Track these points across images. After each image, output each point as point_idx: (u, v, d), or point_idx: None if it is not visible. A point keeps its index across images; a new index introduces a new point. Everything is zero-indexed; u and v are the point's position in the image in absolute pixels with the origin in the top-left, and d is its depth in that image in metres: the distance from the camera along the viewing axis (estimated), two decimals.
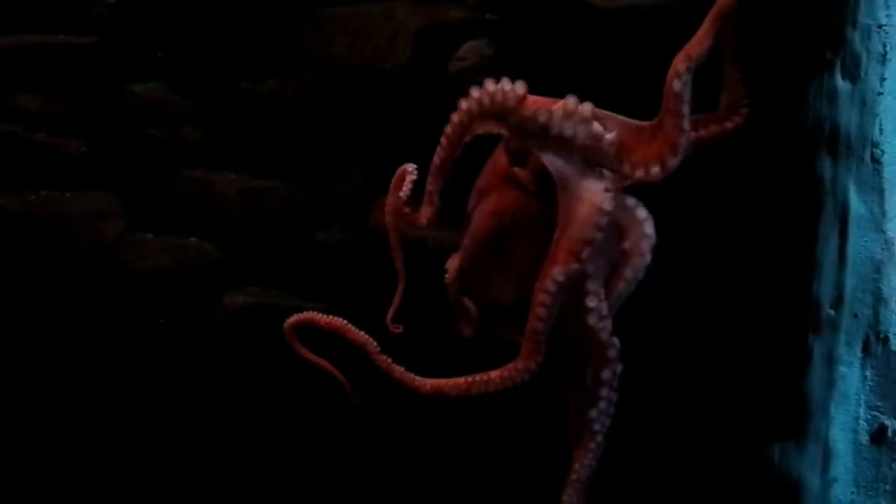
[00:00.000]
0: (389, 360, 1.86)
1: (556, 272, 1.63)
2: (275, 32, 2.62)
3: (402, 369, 1.83)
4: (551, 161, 1.67)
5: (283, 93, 2.61)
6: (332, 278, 2.58)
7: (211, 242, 2.65)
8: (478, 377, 1.71)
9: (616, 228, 1.74)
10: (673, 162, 1.62)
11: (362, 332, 1.92)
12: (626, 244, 1.75)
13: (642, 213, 1.74)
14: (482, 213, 1.81)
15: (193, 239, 2.64)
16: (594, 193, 1.66)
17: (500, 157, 1.82)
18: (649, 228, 1.74)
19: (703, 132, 1.78)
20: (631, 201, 1.74)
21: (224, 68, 2.65)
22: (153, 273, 2.60)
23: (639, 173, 1.64)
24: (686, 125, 1.60)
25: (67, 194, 2.65)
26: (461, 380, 1.73)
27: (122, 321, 2.62)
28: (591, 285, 1.68)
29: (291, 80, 2.61)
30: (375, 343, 1.89)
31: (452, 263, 1.97)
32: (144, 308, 2.62)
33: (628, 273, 1.75)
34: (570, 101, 1.64)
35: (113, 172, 2.69)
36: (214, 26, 2.65)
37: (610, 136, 1.65)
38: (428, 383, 1.78)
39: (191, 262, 2.63)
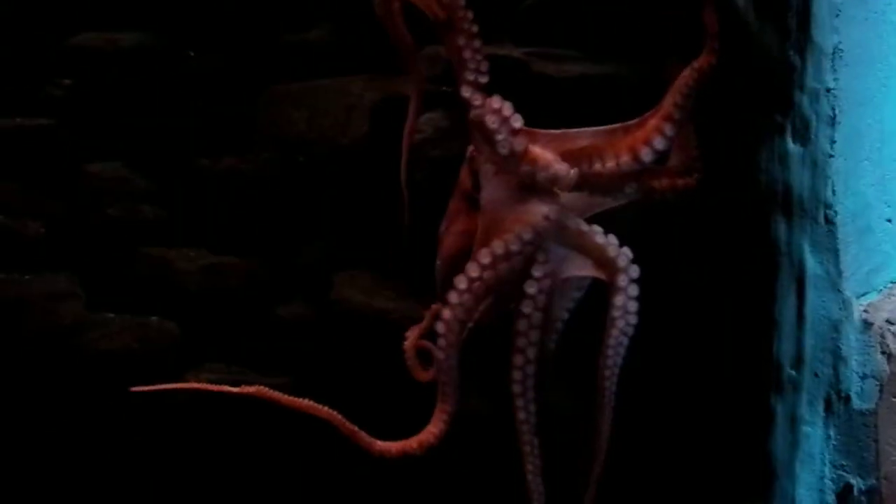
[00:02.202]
0: (354, 428, 1.87)
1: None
2: (231, 109, 2.63)
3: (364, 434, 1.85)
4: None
5: (241, 169, 2.62)
6: (294, 352, 2.57)
7: (172, 320, 2.63)
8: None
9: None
10: (661, 140, 1.72)
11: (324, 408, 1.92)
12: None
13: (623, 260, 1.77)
14: (452, 234, 1.84)
15: (154, 318, 2.63)
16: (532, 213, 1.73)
17: (464, 179, 1.85)
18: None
19: (655, 182, 1.81)
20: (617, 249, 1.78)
21: (182, 145, 2.65)
22: (115, 353, 2.58)
23: (624, 159, 1.72)
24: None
25: (26, 276, 2.63)
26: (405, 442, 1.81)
27: (83, 402, 2.60)
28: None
29: (248, 156, 2.62)
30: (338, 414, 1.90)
31: (412, 332, 2.00)
32: (106, 389, 2.59)
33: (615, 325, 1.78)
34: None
35: (72, 253, 2.67)
36: (171, 104, 2.66)
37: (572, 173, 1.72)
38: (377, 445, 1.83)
39: (153, 340, 2.61)
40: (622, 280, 1.76)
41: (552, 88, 2.14)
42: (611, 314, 1.77)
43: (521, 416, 1.80)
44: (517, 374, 1.78)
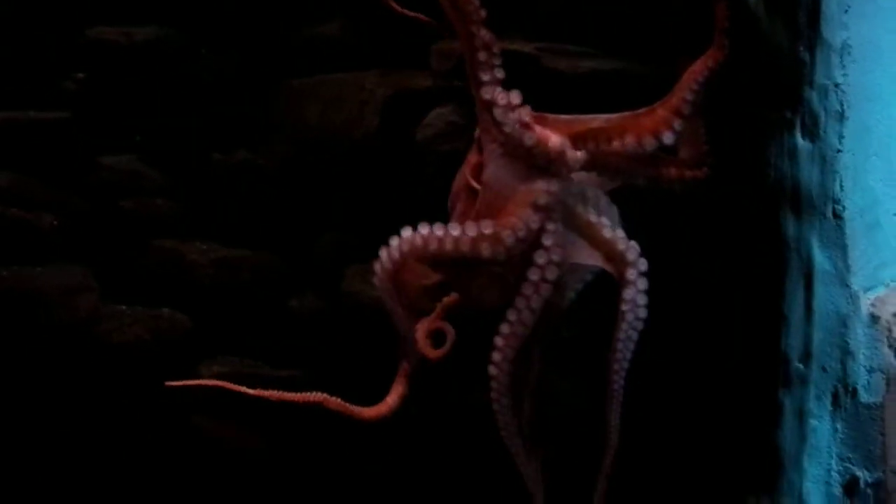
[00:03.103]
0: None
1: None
2: (245, 103, 2.65)
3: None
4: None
5: (254, 162, 2.64)
6: (306, 345, 2.59)
7: (184, 313, 2.65)
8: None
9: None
10: (669, 134, 1.73)
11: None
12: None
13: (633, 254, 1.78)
14: (457, 216, 1.85)
15: (167, 310, 2.65)
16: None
17: (471, 159, 1.86)
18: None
19: (663, 171, 1.83)
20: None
21: (195, 139, 2.67)
22: (128, 345, 2.60)
23: (629, 142, 1.75)
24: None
25: (40, 269, 2.64)
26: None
27: (98, 394, 2.62)
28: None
29: (262, 149, 2.64)
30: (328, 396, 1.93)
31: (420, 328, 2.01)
32: (120, 380, 2.61)
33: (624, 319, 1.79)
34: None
35: (86, 245, 2.69)
36: (185, 97, 2.67)
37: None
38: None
39: (165, 332, 2.63)
40: (631, 273, 1.77)
41: (564, 84, 2.15)
42: (620, 308, 1.78)
43: (497, 401, 1.81)
44: (497, 356, 1.78)
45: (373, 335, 2.45)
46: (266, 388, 2.38)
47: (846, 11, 1.93)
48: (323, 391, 1.93)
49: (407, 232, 1.74)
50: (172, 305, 2.65)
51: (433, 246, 1.74)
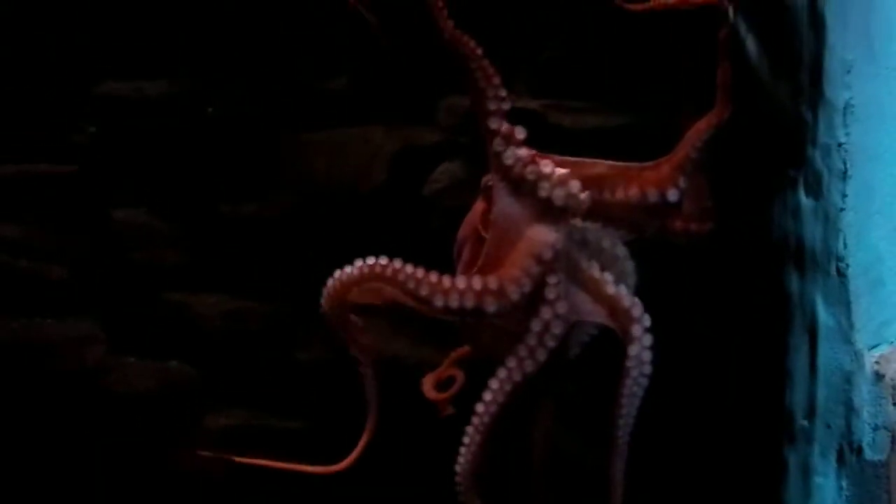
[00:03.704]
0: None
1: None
2: (252, 156, 2.67)
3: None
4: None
5: (262, 215, 2.65)
6: (314, 397, 2.59)
7: (192, 365, 2.66)
8: None
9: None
10: (674, 192, 1.76)
11: None
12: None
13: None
14: (463, 265, 1.86)
15: (174, 362, 2.66)
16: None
17: (478, 209, 1.87)
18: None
19: (667, 224, 1.84)
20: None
21: (203, 192, 2.69)
22: (135, 396, 2.61)
23: (633, 193, 1.77)
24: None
25: (49, 320, 2.66)
26: None
27: (104, 445, 2.62)
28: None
29: (269, 202, 2.65)
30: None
31: (428, 379, 2.01)
32: (127, 431, 2.62)
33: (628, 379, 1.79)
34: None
35: (95, 297, 2.70)
36: (194, 151, 2.69)
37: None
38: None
39: (172, 384, 2.64)
40: (636, 330, 1.77)
41: (568, 140, 2.17)
42: (625, 364, 1.78)
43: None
44: (487, 396, 1.77)
45: (380, 387, 2.46)
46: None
47: (849, 72, 1.95)
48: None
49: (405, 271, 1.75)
50: (180, 357, 2.66)
51: (439, 303, 1.75)
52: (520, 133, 1.76)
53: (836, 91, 1.95)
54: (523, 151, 1.76)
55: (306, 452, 2.50)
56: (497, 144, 1.76)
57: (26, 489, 2.64)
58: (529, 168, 1.76)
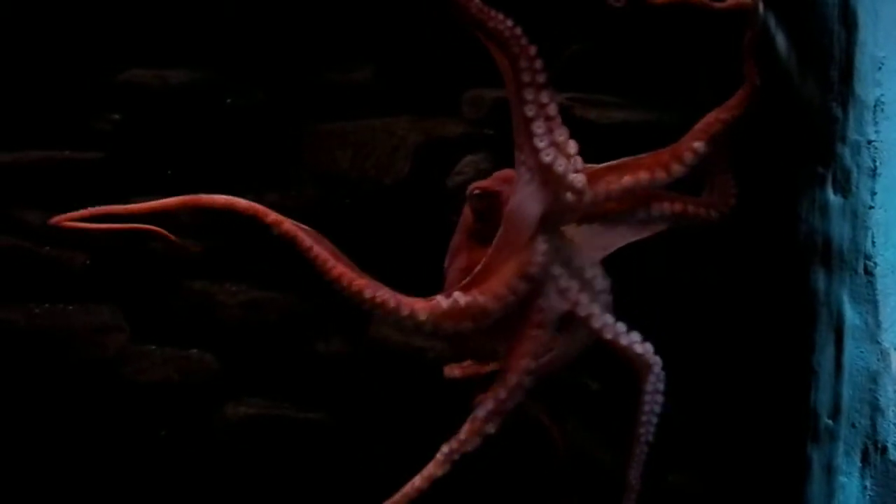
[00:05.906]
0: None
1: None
2: (276, 146, 2.67)
3: None
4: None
5: (284, 205, 2.65)
6: (332, 389, 2.59)
7: (212, 354, 2.66)
8: None
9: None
10: (678, 167, 1.77)
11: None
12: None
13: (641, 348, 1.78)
14: (455, 271, 1.85)
15: (195, 350, 2.66)
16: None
17: (467, 216, 1.86)
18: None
19: (687, 207, 1.84)
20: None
21: (225, 181, 2.68)
22: (156, 385, 2.61)
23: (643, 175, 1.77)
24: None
25: (71, 307, 2.66)
26: None
27: (124, 433, 2.62)
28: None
29: (291, 192, 2.65)
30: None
31: (451, 371, 2.01)
32: (147, 420, 2.62)
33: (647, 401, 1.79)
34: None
35: (116, 285, 2.71)
36: (217, 140, 2.69)
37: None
38: None
39: (193, 373, 2.64)
40: (653, 377, 1.78)
41: (594, 133, 2.16)
42: (641, 398, 1.80)
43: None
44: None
45: (398, 380, 2.46)
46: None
47: (879, 69, 1.93)
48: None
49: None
50: (201, 346, 2.66)
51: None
52: (552, 111, 1.75)
53: (867, 88, 1.94)
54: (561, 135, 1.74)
55: (324, 442, 2.52)
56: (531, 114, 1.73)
57: (44, 476, 2.65)
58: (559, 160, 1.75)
